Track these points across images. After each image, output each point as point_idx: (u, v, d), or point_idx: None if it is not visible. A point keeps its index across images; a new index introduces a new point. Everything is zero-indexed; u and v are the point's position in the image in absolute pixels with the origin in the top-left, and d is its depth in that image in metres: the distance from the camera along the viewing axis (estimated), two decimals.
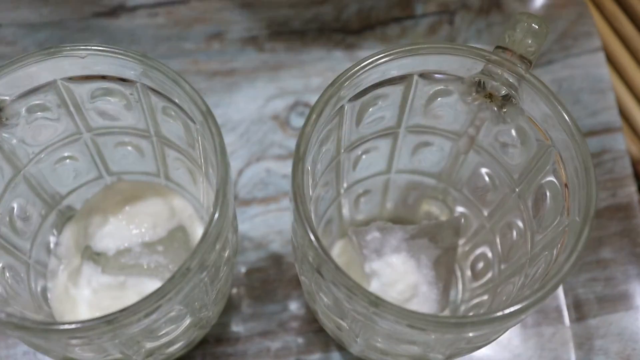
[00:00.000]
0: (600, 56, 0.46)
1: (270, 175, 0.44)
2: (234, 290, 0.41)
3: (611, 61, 0.47)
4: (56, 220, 0.38)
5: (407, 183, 0.40)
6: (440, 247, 0.36)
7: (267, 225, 0.43)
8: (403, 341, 0.29)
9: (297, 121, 0.45)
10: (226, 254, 0.30)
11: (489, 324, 0.26)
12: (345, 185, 0.38)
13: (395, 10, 0.47)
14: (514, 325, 0.28)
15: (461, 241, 0.40)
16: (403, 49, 0.30)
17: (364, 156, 0.36)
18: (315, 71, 0.46)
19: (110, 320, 0.25)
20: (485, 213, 0.38)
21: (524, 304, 0.26)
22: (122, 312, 0.26)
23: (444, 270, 0.36)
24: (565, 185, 0.30)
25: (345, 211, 0.40)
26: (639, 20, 0.48)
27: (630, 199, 0.42)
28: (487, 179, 0.36)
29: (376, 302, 0.26)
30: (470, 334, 0.27)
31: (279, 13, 0.47)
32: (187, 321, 0.31)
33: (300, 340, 0.40)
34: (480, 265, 0.38)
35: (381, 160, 0.38)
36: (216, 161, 0.28)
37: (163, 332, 0.30)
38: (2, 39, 0.45)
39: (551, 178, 0.32)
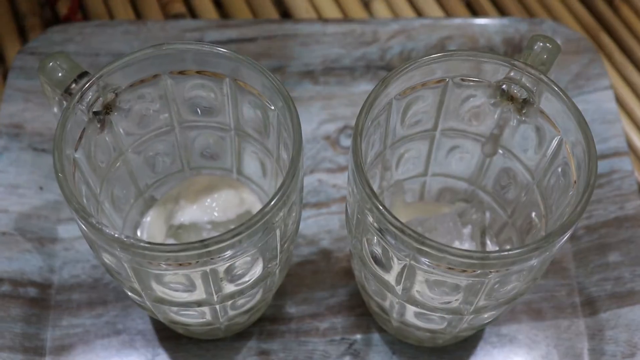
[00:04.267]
0: (610, 93, 0.53)
1: (322, 185, 0.51)
2: (289, 278, 0.47)
3: (619, 101, 0.54)
4: (142, 208, 0.45)
5: (442, 186, 0.46)
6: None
7: (318, 225, 0.49)
8: (439, 285, 0.35)
9: (346, 141, 0.53)
10: (292, 216, 0.37)
11: (512, 258, 0.32)
12: (386, 183, 0.45)
13: (432, 51, 0.54)
14: (534, 264, 0.34)
15: (487, 238, 0.46)
16: (441, 54, 0.38)
17: (405, 154, 0.43)
18: (362, 101, 0.52)
19: (205, 244, 0.32)
20: (509, 211, 0.44)
21: (538, 243, 0.33)
22: (214, 237, 0.32)
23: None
24: (574, 167, 0.37)
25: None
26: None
27: (636, 211, 0.48)
28: (509, 177, 0.43)
29: (422, 239, 0.32)
30: (493, 272, 0.33)
31: (332, 51, 0.54)
32: (259, 269, 0.37)
33: (345, 322, 0.46)
34: None
35: (420, 162, 0.44)
36: (292, 134, 0.35)
37: (239, 272, 0.36)
38: (98, 65, 0.53)
39: (563, 167, 0.38)
